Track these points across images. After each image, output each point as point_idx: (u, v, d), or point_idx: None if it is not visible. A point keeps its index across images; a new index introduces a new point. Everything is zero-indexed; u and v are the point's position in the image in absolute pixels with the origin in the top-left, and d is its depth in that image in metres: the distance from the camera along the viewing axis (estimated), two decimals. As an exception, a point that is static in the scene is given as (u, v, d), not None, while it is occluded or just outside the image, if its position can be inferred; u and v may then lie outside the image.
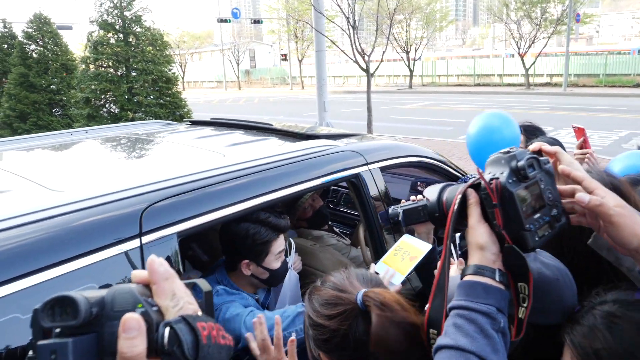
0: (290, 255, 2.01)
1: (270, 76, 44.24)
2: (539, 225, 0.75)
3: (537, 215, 0.76)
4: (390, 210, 1.69)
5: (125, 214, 1.31)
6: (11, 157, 2.05)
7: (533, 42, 23.78)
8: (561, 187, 0.83)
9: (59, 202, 1.25)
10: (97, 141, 2.37)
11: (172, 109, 9.72)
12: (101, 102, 9.47)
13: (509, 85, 27.15)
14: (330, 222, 2.94)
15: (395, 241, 1.66)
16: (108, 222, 1.28)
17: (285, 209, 2.51)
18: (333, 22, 11.43)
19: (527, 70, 23.95)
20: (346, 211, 3.34)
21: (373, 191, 2.00)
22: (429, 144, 9.94)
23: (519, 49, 24.20)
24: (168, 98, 9.69)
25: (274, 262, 1.75)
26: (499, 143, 1.86)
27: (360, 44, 10.17)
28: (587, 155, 2.16)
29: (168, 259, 1.35)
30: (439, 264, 0.87)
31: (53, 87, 10.99)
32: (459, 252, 1.27)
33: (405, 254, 1.58)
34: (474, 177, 0.77)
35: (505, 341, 0.71)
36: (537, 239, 0.74)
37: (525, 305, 0.76)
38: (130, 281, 0.53)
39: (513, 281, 0.77)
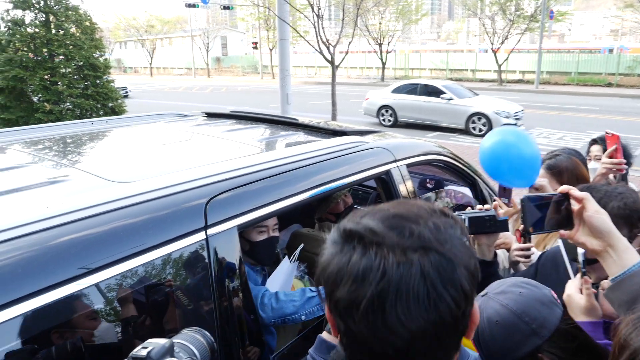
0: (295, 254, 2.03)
1: (241, 64, 43.54)
2: None
3: None
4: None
5: (192, 206, 1.28)
6: (48, 147, 1.95)
7: (506, 38, 24.31)
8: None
9: (126, 194, 1.21)
10: (128, 132, 2.32)
11: (100, 101, 8.71)
12: (17, 91, 8.31)
13: (482, 80, 27.71)
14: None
15: None
16: (177, 214, 1.25)
17: (316, 201, 2.49)
18: (298, 11, 11.18)
19: (499, 66, 24.47)
20: (356, 207, 3.39)
21: (401, 188, 2.03)
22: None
23: (492, 44, 24.71)
24: (96, 88, 8.65)
25: (254, 233, 1.77)
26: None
27: (325, 34, 9.98)
28: (617, 167, 2.10)
29: (231, 252, 1.34)
30: None
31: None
32: (584, 271, 1.21)
33: None
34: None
35: None
36: None
37: None
38: None
39: None
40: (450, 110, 12.25)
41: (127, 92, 24.10)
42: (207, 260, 1.26)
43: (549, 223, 1.05)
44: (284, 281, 1.87)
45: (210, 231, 1.27)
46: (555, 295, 1.07)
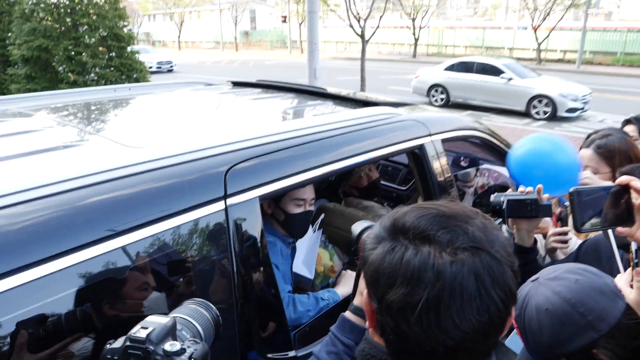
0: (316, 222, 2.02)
1: (270, 39, 43.07)
2: None
3: None
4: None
5: (211, 174, 1.21)
6: (68, 113, 1.90)
7: (548, 14, 23.05)
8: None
9: (141, 159, 1.14)
10: (152, 99, 2.27)
11: (124, 72, 8.53)
12: (42, 62, 8.18)
13: (519, 59, 26.32)
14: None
15: None
16: (195, 181, 1.18)
17: (342, 174, 2.46)
18: None
19: (539, 44, 23.30)
20: (385, 184, 3.27)
21: (435, 164, 1.93)
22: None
23: (532, 21, 23.53)
24: (120, 59, 8.46)
25: (290, 205, 1.74)
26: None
27: (355, 7, 9.75)
28: None
29: (251, 223, 1.26)
30: None
31: (7, 41, 9.24)
32: (636, 261, 1.09)
33: None
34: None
35: None
36: None
37: None
38: None
39: None
40: (510, 91, 10.99)
41: (172, 66, 24.18)
42: (226, 231, 1.19)
43: (605, 218, 0.94)
44: (308, 250, 1.87)
45: (229, 201, 1.20)
46: (619, 286, 0.94)
